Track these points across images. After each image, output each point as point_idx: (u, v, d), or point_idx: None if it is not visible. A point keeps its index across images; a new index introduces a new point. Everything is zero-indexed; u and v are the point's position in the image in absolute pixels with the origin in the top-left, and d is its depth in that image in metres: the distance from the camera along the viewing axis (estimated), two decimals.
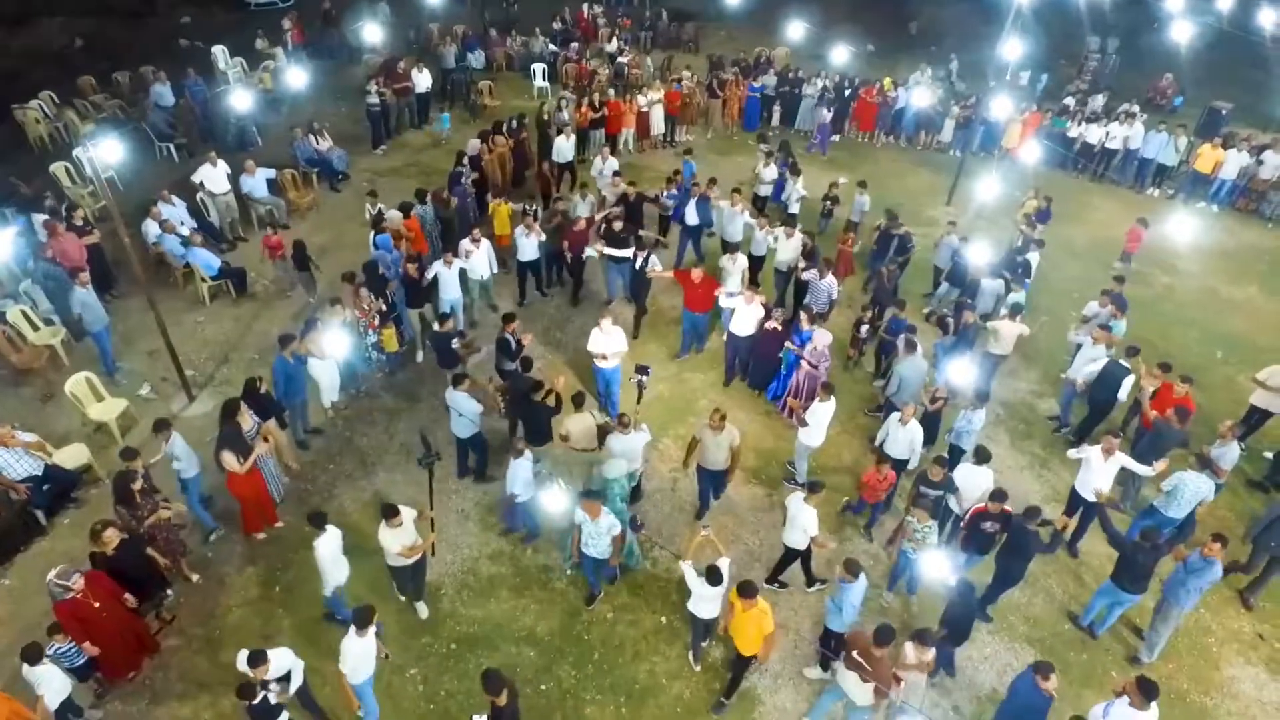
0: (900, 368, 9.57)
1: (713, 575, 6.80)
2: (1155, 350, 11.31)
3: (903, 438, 8.67)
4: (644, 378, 8.95)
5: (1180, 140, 17.28)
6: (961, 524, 8.03)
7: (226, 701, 7.05)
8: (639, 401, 9.11)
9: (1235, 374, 11.68)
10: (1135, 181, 17.80)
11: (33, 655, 6.22)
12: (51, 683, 6.31)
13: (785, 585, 8.35)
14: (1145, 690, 5.99)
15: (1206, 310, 13.47)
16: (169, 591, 7.85)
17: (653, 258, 11.37)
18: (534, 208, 12.60)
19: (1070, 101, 19.75)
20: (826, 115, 18.23)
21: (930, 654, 6.48)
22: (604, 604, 8.09)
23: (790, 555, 8.03)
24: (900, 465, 8.84)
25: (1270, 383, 9.93)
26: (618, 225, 11.64)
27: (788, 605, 8.17)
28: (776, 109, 19.56)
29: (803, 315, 10.32)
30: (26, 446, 8.25)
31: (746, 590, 6.61)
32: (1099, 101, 19.94)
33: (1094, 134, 17.84)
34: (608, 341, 9.75)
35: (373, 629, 6.32)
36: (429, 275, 10.81)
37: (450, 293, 11.01)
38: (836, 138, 19.25)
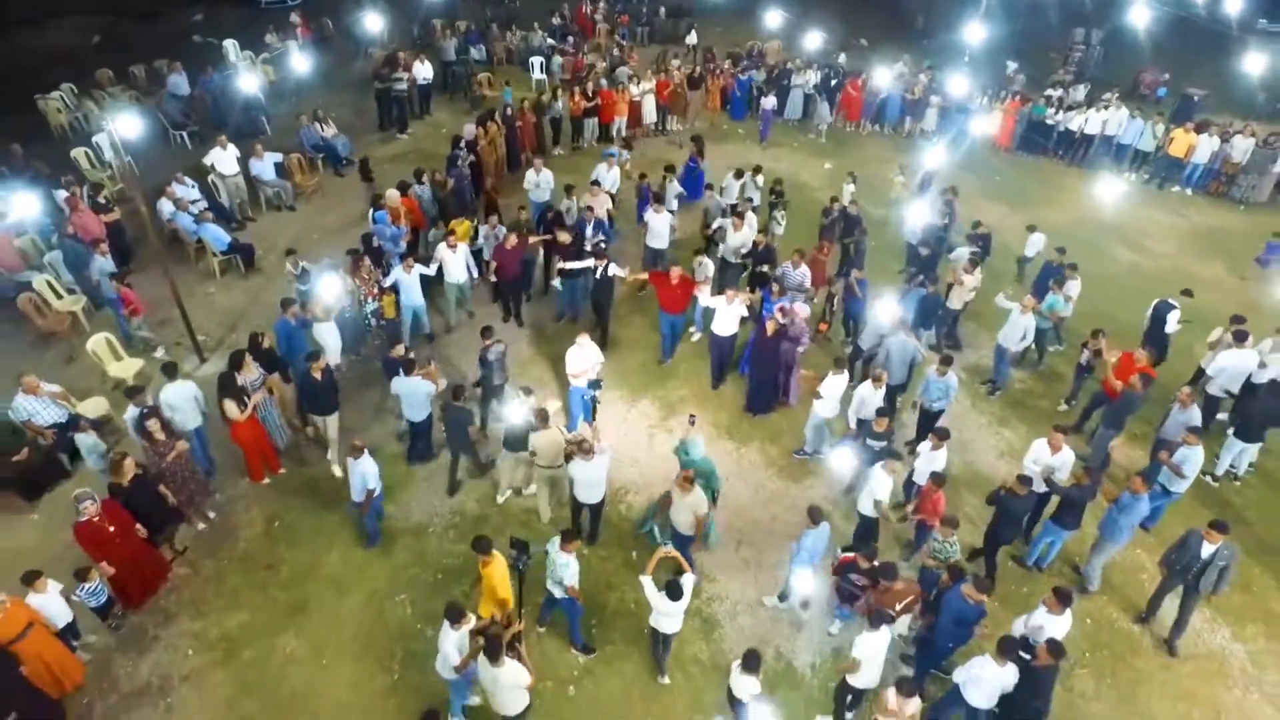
0: (889, 342, 10.05)
1: (672, 590, 6.58)
2: (1115, 321, 11.87)
3: (878, 400, 9.18)
4: (595, 393, 9.32)
5: (1158, 127, 17.82)
6: (833, 569, 7.73)
7: (232, 621, 7.80)
8: (594, 419, 9.60)
9: (1192, 342, 12.18)
10: (1113, 166, 18.33)
11: (29, 577, 6.91)
12: (48, 607, 6.96)
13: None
14: (1060, 597, 6.61)
15: (1170, 285, 13.84)
16: (202, 525, 8.63)
17: (613, 265, 11.05)
18: (475, 224, 12.42)
19: (1053, 93, 20.29)
20: (770, 104, 18.94)
21: (913, 705, 6.06)
22: (582, 546, 8.70)
23: (865, 526, 8.19)
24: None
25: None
26: (564, 239, 11.72)
27: (749, 543, 8.81)
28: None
29: (774, 286, 10.90)
30: (52, 396, 8.99)
31: (479, 544, 6.73)
32: (1080, 92, 20.49)
33: (1074, 121, 18.42)
34: (586, 358, 9.51)
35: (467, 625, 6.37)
36: (386, 282, 10.74)
37: (413, 299, 10.86)
38: (833, 129, 19.85)
